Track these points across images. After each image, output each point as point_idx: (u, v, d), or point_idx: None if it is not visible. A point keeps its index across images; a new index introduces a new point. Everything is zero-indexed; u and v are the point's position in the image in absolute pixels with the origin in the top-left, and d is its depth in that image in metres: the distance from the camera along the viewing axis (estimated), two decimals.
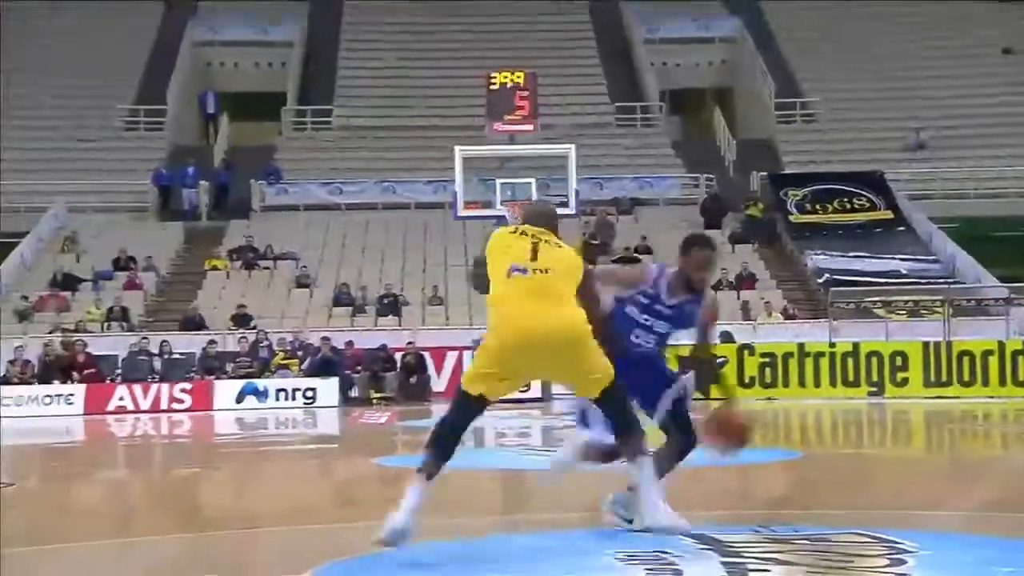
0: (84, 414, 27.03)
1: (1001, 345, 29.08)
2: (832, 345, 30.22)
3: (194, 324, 31.13)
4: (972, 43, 44.27)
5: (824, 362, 29.58)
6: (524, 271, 6.82)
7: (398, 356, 29.30)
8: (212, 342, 29.23)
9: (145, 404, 27.45)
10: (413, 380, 28.92)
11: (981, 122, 40.58)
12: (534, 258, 6.94)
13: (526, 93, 32.98)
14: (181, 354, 29.34)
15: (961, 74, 43.23)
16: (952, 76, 42.98)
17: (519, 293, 6.89)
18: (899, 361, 29.69)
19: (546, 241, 7.17)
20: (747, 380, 29.32)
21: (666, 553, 6.62)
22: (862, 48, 44.08)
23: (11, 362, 27.95)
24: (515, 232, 7.32)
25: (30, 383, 27.77)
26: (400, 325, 31.46)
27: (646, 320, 7.42)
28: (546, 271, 6.86)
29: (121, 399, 27.68)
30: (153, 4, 46.44)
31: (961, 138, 39.28)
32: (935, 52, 43.75)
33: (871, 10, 45.34)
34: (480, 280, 9.09)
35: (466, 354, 28.46)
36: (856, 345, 29.90)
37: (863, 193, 37.69)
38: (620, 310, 7.73)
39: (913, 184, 38.54)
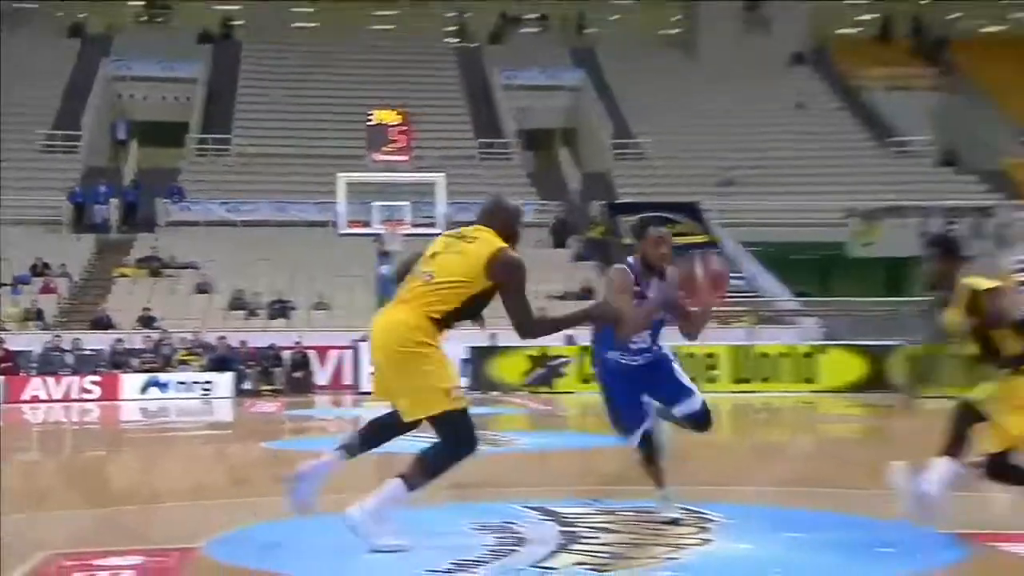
0: (2, 403, 25.91)
1: (793, 348, 31.25)
2: None
3: (103, 324, 30.56)
4: (772, 98, 45.57)
5: None
6: (417, 274, 6.45)
7: (286, 354, 29.22)
8: (119, 340, 28.77)
9: (58, 394, 26.87)
10: (299, 375, 29.03)
11: (779, 164, 41.97)
12: (427, 262, 6.48)
13: (402, 128, 33.25)
14: (92, 350, 28.62)
15: (764, 123, 44.47)
16: (756, 125, 44.14)
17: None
18: (711, 361, 31.29)
19: (460, 243, 6.52)
20: (587, 377, 28.45)
21: (512, 523, 7.35)
22: (683, 99, 44.78)
23: None
24: (448, 234, 6.69)
25: None
26: (288, 327, 31.11)
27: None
28: (430, 275, 6.34)
29: (36, 390, 27.03)
30: (72, 40, 45.75)
31: (763, 176, 40.42)
32: (742, 104, 44.44)
33: (691, 67, 46.85)
34: None
35: (346, 353, 29.29)
36: (676, 347, 28.98)
37: (683, 220, 37.98)
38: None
39: (724, 213, 39.49)
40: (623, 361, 7.06)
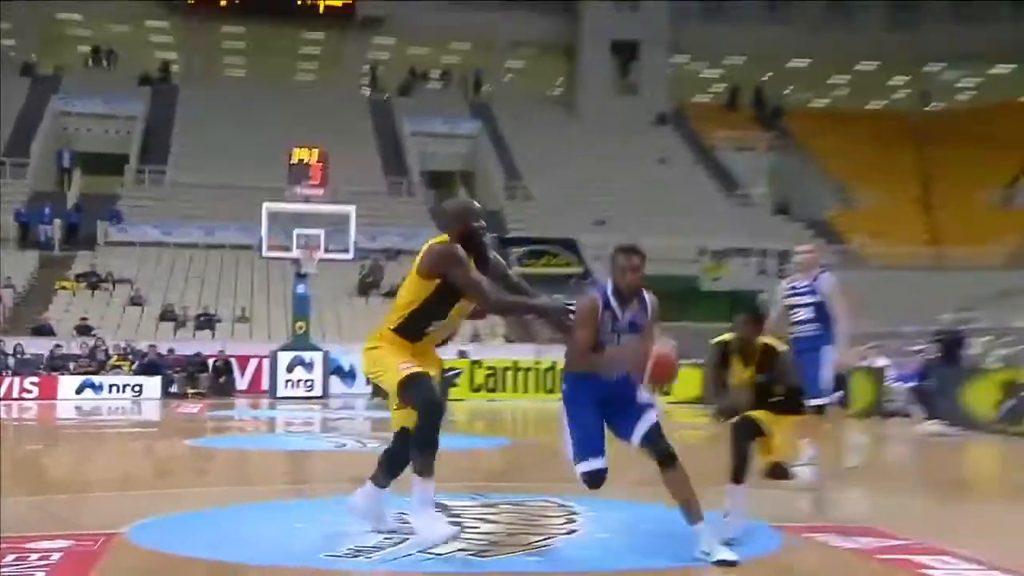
0: None
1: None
2: (537, 362, 31.05)
3: (44, 331, 30.13)
4: (640, 152, 46.03)
5: (532, 374, 30.88)
6: None
7: (210, 361, 28.90)
8: (58, 346, 28.59)
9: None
10: (221, 380, 28.71)
11: (644, 208, 41.88)
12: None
13: (319, 165, 32.91)
14: (33, 355, 28.25)
15: (632, 173, 44.79)
16: (626, 174, 44.56)
17: None
18: None
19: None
20: (476, 386, 30.31)
21: (406, 514, 6.80)
22: (564, 149, 44.80)
23: None
24: None
25: None
26: (213, 337, 30.83)
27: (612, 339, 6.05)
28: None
29: None
30: (23, 79, 44.86)
31: (630, 218, 39.74)
32: (614, 156, 44.98)
33: (572, 123, 47.09)
34: None
35: (264, 361, 29.43)
36: (554, 362, 29.21)
37: (562, 253, 39.08)
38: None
39: (597, 248, 38.28)
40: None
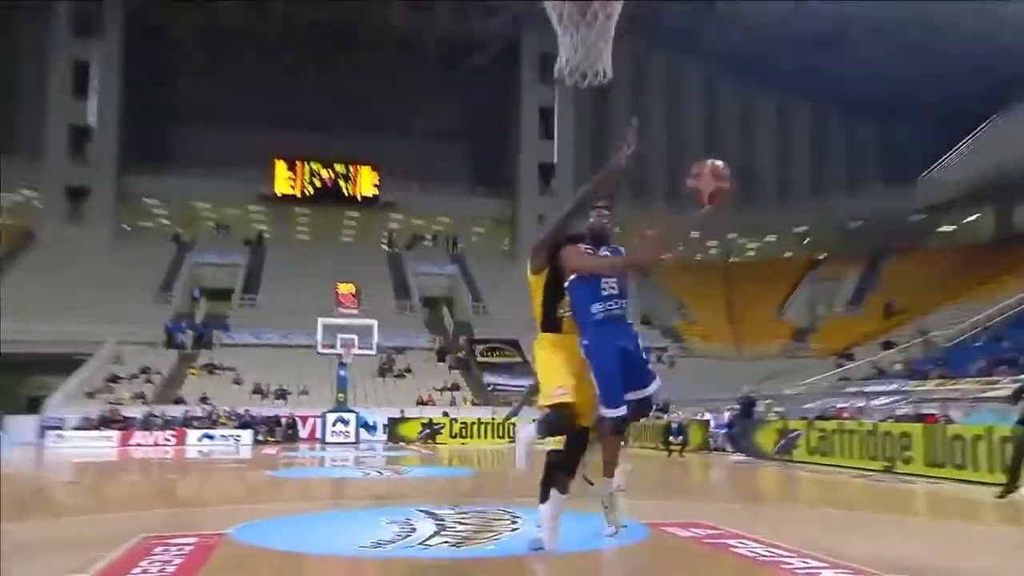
0: (117, 446, 25.50)
1: None
2: (493, 419, 29.45)
3: (179, 401, 30.15)
4: None
5: (490, 427, 28.92)
6: None
7: (283, 419, 28.88)
8: (188, 411, 28.59)
9: (150, 442, 26.45)
10: (290, 431, 28.56)
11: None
12: None
13: (354, 294, 33.13)
14: (172, 416, 28.36)
15: None
16: None
17: None
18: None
19: None
20: (453, 434, 28.71)
21: (408, 519, 7.11)
22: (509, 282, 41.27)
23: None
24: None
25: None
26: (285, 404, 30.85)
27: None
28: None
29: (137, 439, 26.50)
30: (172, 243, 44.31)
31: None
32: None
33: (515, 265, 44.55)
34: None
35: (317, 420, 28.56)
36: (504, 419, 28.94)
37: (509, 348, 37.11)
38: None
39: (529, 346, 37.35)
40: (605, 313, 5.06)
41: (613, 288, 5.05)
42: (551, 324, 5.24)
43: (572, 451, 5.21)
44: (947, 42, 35.08)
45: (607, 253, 5.19)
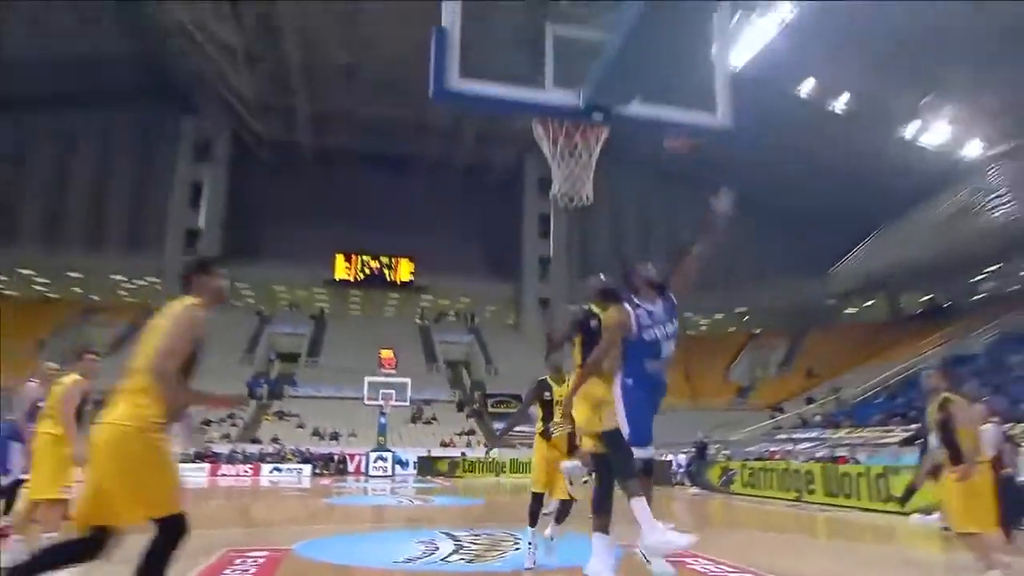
0: (207, 476, 24.91)
1: None
2: (499, 458, 27.93)
3: (256, 441, 29.54)
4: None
5: (495, 463, 27.66)
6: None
7: (335, 456, 28.32)
8: (263, 448, 28.19)
9: (232, 472, 25.79)
10: (341, 466, 27.83)
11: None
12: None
13: (392, 357, 33.48)
14: (250, 453, 27.87)
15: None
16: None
17: None
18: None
19: None
20: (466, 470, 27.41)
21: (433, 540, 6.95)
22: (514, 350, 42.27)
23: None
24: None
25: None
26: (337, 443, 30.14)
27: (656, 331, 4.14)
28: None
29: (223, 471, 25.77)
30: (256, 317, 44.16)
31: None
32: (541, 352, 43.54)
33: (520, 337, 44.45)
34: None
35: (363, 456, 27.76)
36: (506, 459, 27.88)
37: (516, 401, 34.94)
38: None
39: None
40: (650, 370, 4.13)
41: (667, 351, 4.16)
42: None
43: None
44: (849, 163, 35.78)
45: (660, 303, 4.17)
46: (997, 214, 29.41)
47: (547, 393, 5.42)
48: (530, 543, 5.58)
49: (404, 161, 45.35)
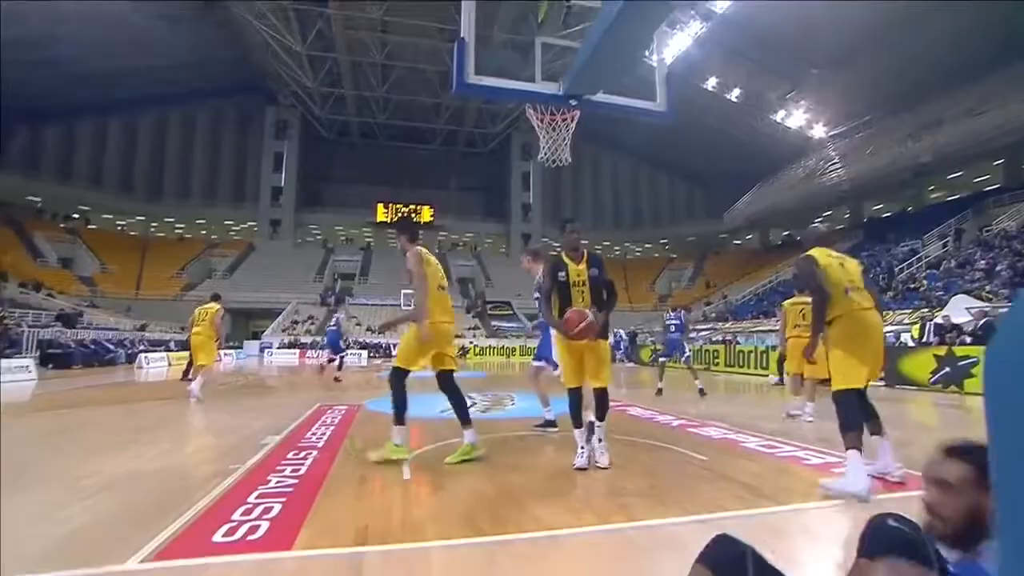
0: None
1: None
2: (503, 346, 27.21)
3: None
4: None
5: (495, 350, 27.01)
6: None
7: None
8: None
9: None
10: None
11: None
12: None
13: None
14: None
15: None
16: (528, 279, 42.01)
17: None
18: None
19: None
20: (477, 353, 25.96)
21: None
22: (506, 271, 40.56)
23: None
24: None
25: None
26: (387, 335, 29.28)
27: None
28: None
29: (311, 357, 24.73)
30: (319, 249, 42.91)
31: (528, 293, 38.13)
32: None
33: (509, 261, 42.55)
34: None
35: None
36: (504, 346, 27.28)
37: (506, 308, 35.07)
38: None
39: (520, 307, 34.56)
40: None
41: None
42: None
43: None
44: (739, 137, 35.72)
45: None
46: (832, 176, 29.63)
47: (561, 273, 3.48)
48: (581, 447, 3.47)
49: (423, 133, 43.89)
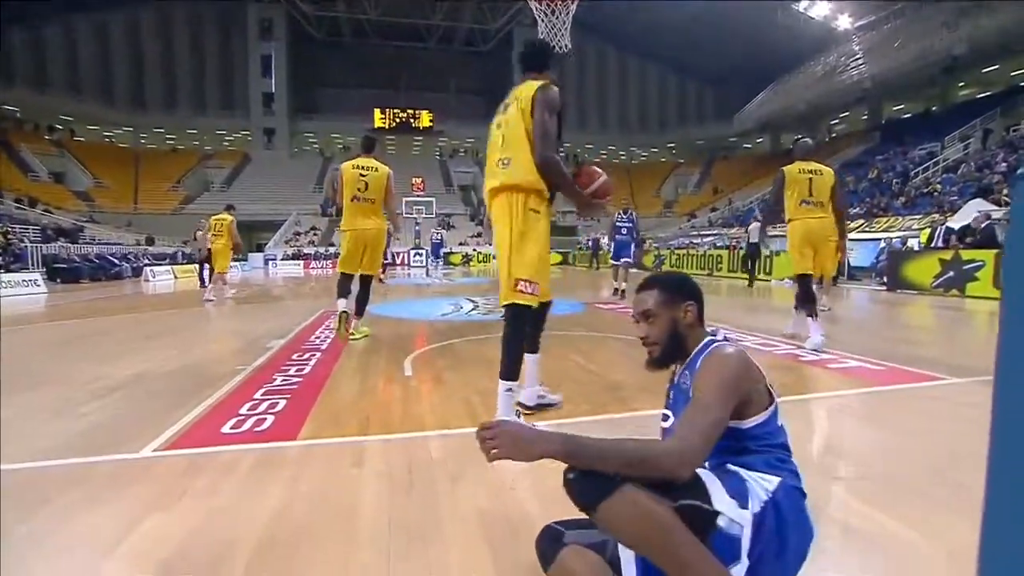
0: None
1: None
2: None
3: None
4: None
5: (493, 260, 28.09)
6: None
7: (391, 256, 27.65)
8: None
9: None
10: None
11: None
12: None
13: (422, 183, 31.39)
14: (330, 253, 26.68)
15: None
16: None
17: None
18: None
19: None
20: (480, 261, 26.38)
21: (459, 302, 6.33)
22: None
23: None
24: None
25: None
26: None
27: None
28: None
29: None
30: (318, 158, 41.45)
31: None
32: None
33: None
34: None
35: (406, 254, 26.89)
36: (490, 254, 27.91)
37: None
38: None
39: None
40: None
41: None
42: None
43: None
44: (752, 31, 33.32)
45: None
46: (853, 74, 27.49)
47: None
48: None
49: (420, 32, 40.85)
